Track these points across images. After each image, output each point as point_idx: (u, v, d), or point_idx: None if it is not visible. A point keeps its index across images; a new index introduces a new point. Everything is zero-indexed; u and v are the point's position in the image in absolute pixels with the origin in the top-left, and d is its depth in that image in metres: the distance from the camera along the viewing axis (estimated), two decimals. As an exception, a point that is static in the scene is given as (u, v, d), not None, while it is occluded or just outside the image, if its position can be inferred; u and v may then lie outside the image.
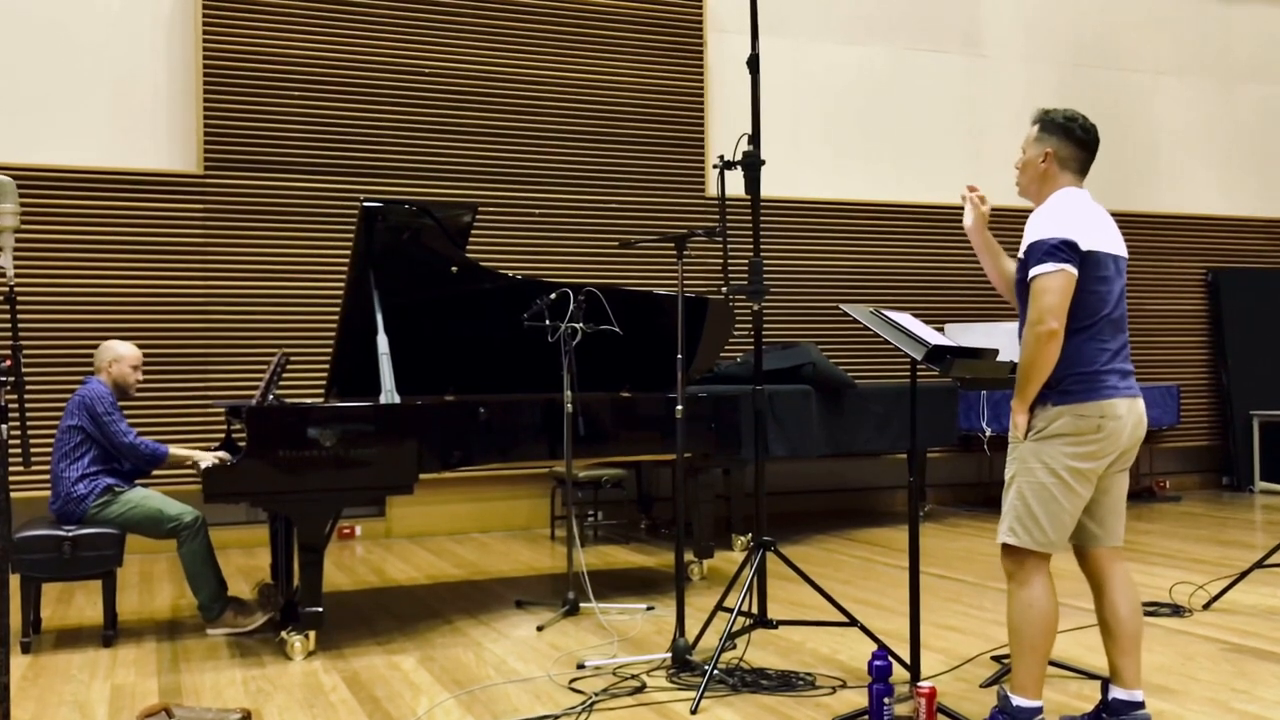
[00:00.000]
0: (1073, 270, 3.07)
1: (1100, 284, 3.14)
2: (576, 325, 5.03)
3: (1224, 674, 4.05)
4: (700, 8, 8.43)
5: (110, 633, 4.74)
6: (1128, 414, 3.15)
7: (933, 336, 3.70)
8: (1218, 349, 10.09)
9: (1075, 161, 3.30)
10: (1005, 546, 3.22)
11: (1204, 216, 10.12)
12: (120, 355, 5.03)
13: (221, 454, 5.13)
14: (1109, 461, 3.17)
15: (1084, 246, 3.09)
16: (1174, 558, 6.49)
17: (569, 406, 5.05)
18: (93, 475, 4.80)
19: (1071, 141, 3.29)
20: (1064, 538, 3.19)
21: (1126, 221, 9.20)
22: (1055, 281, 3.06)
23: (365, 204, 4.77)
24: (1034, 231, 3.15)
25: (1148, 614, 4.91)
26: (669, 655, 4.17)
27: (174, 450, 5.00)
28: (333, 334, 5.14)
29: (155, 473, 5.90)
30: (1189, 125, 10.16)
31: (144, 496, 4.89)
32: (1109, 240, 3.19)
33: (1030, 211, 3.27)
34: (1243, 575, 5.17)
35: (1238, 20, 10.36)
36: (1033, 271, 3.10)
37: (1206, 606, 5.08)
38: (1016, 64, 9.50)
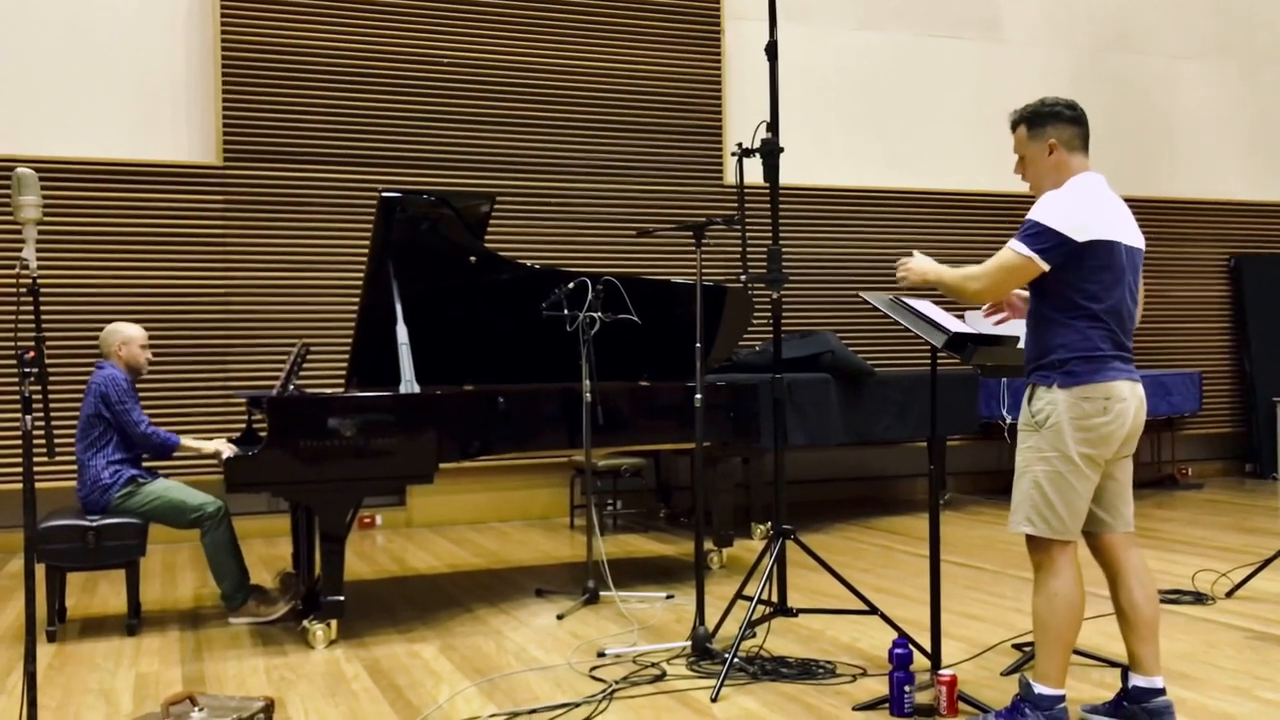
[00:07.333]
0: (1040, 262, 3.10)
1: (1102, 273, 3.12)
2: (595, 314, 5.03)
3: (1247, 661, 4.03)
4: (717, -5, 8.41)
5: (134, 622, 4.78)
6: (1131, 396, 3.16)
7: (953, 324, 3.68)
8: (1240, 335, 10.01)
9: (1078, 139, 3.29)
10: (1030, 538, 3.21)
11: (1226, 202, 10.04)
12: (129, 337, 5.03)
13: (230, 444, 5.14)
14: (1118, 446, 3.17)
15: (1080, 239, 3.08)
16: (1196, 545, 6.46)
17: (588, 396, 5.05)
18: (118, 465, 4.83)
19: (1064, 122, 3.28)
20: (1080, 524, 3.18)
21: (1148, 207, 9.23)
22: (1016, 261, 3.14)
23: (384, 194, 4.77)
24: (1035, 210, 3.16)
25: (1170, 602, 4.89)
26: (689, 643, 4.18)
27: (185, 442, 5.00)
28: (352, 324, 5.16)
29: (179, 463, 5.95)
30: (1211, 109, 10.07)
31: (166, 488, 4.92)
32: (1119, 230, 3.16)
33: None
34: (1266, 563, 5.14)
35: (1261, 2, 10.24)
36: (1009, 243, 3.16)
37: (1229, 594, 5.06)
38: (1036, 49, 9.43)
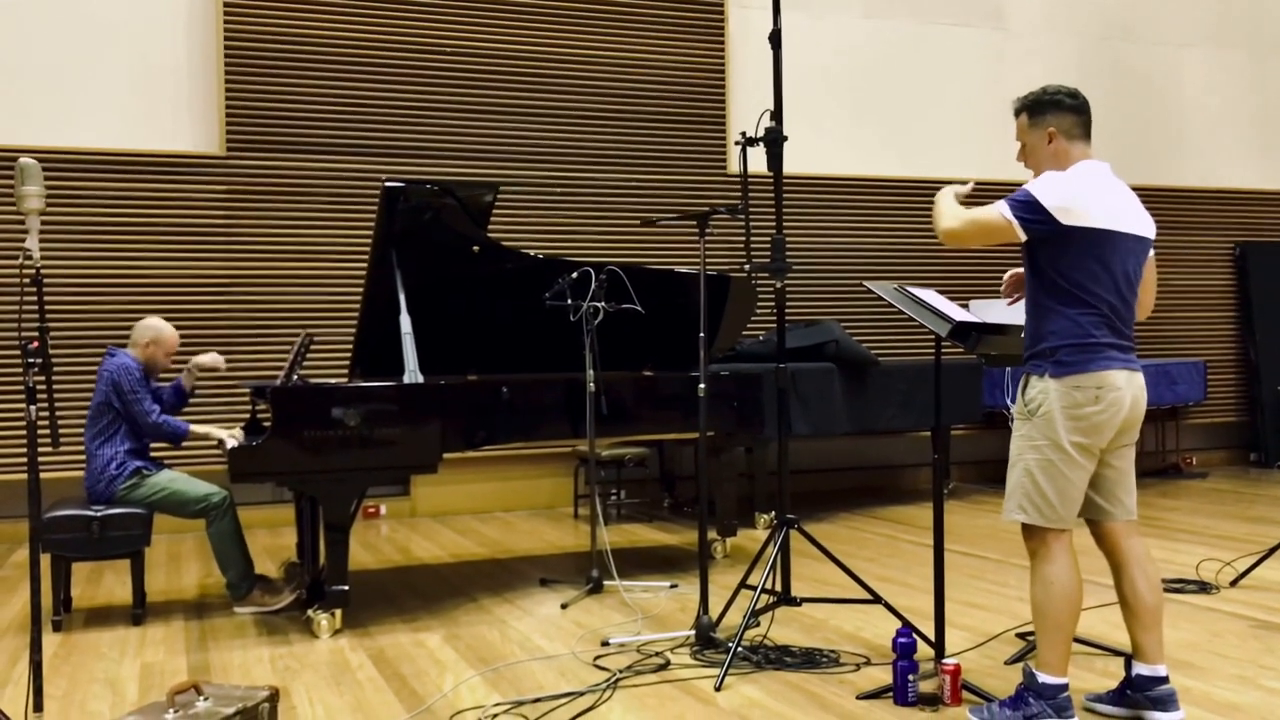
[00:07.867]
0: (1019, 230, 3.11)
1: (1094, 262, 3.10)
2: (598, 304, 5.03)
3: (1251, 651, 4.02)
4: (721, -17, 8.38)
5: (139, 611, 4.79)
6: (1127, 386, 3.13)
7: (958, 313, 3.67)
8: (1246, 324, 9.99)
9: (1079, 128, 3.27)
10: (1025, 526, 3.21)
11: (1232, 190, 10.01)
12: (161, 338, 5.03)
13: (237, 432, 5.15)
14: (1112, 435, 3.15)
15: (1065, 222, 3.07)
16: (1201, 534, 6.45)
17: (591, 386, 5.05)
18: (125, 455, 4.83)
19: (1064, 111, 3.27)
20: (1073, 512, 3.18)
21: (1153, 195, 9.18)
22: (996, 222, 3.14)
23: (387, 184, 4.77)
24: (1033, 182, 3.18)
25: (1175, 591, 4.89)
26: (693, 633, 4.18)
27: (194, 429, 5.02)
28: (356, 314, 5.15)
29: (184, 452, 5.96)
30: (1216, 98, 10.03)
31: (171, 479, 4.92)
32: (1119, 218, 3.13)
33: None
34: (1270, 552, 5.13)
35: (1267, -10, 10.21)
36: (999, 202, 3.15)
37: (1234, 583, 5.05)
38: (1040, 37, 9.40)
